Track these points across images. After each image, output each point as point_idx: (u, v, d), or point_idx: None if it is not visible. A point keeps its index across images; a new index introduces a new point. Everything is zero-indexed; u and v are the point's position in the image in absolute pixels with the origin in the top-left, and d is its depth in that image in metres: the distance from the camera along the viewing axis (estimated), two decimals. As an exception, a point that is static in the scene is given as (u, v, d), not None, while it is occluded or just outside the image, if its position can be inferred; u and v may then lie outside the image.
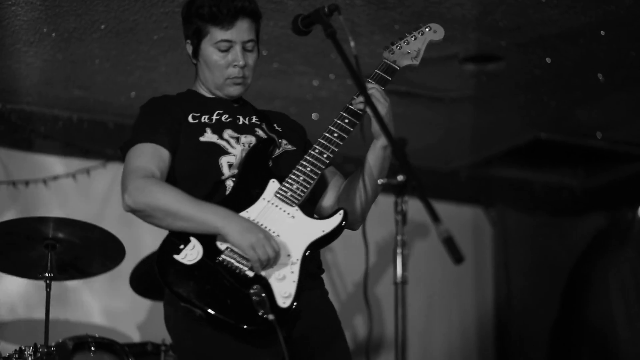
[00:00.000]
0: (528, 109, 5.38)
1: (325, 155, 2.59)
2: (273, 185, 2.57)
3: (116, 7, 3.98)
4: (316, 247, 2.52)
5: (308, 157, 2.59)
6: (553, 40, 4.35)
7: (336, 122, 2.63)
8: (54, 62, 4.54)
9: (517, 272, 6.25)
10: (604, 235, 6.27)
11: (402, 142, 4.61)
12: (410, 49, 2.76)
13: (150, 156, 2.57)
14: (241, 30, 2.67)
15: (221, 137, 2.66)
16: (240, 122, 2.73)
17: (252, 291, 2.37)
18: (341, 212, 2.54)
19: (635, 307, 5.91)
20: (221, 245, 2.47)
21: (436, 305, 6.08)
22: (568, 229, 6.41)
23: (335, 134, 2.61)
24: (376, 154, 2.63)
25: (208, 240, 2.47)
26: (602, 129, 5.69)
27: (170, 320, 2.58)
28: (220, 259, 2.45)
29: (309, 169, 2.57)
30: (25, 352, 3.46)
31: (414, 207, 2.23)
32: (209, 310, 2.36)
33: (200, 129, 2.66)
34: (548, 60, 4.59)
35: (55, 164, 5.10)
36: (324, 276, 2.73)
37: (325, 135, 2.61)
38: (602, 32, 4.25)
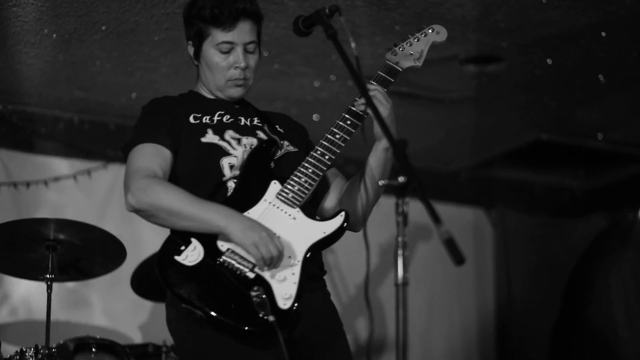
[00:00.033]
0: (528, 110, 5.38)
1: (327, 157, 2.59)
2: (274, 186, 2.57)
3: (117, 8, 3.99)
4: (317, 249, 2.52)
5: (310, 159, 2.58)
6: (554, 41, 4.35)
7: (338, 123, 2.63)
8: (55, 63, 4.54)
9: (518, 273, 6.25)
10: (605, 236, 6.27)
11: (402, 143, 4.59)
12: (413, 51, 2.76)
13: (152, 156, 2.57)
14: (242, 32, 2.66)
15: (222, 138, 2.66)
16: (242, 124, 2.73)
17: (252, 292, 2.37)
18: (342, 213, 2.54)
19: (635, 307, 5.90)
20: (222, 247, 2.47)
21: (437, 306, 6.08)
22: (569, 229, 6.41)
23: (337, 136, 2.61)
24: (378, 155, 2.63)
25: (209, 242, 2.47)
26: (602, 130, 5.69)
27: (172, 321, 2.58)
28: (221, 260, 2.45)
29: (310, 170, 2.57)
30: (27, 354, 3.47)
31: (415, 208, 2.23)
32: (210, 312, 2.36)
33: (202, 129, 2.66)
34: (549, 61, 4.59)
35: (56, 165, 5.10)
36: (325, 277, 2.73)
37: (327, 137, 2.61)
38: (603, 33, 4.25)
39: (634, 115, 5.44)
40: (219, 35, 2.66)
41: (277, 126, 2.80)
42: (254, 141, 2.68)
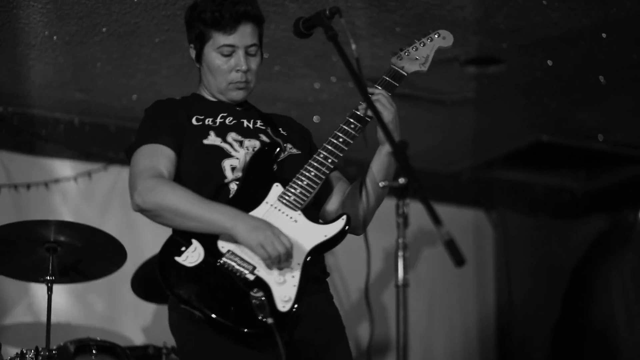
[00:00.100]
0: (529, 112, 5.38)
1: (330, 160, 2.59)
2: (276, 189, 2.57)
3: (117, 10, 3.99)
4: (318, 252, 2.52)
5: (313, 162, 2.58)
6: (554, 42, 4.35)
7: (342, 127, 2.62)
8: (56, 65, 4.54)
9: (519, 275, 6.25)
10: (605, 238, 6.27)
11: (403, 144, 4.60)
12: (419, 55, 2.76)
13: (157, 157, 2.58)
14: (244, 35, 2.66)
15: (225, 140, 2.66)
16: (245, 126, 2.73)
17: (252, 294, 2.37)
18: (344, 217, 2.54)
19: (636, 308, 5.90)
20: (222, 248, 2.47)
21: (438, 307, 6.08)
22: (569, 231, 6.41)
23: (341, 139, 2.61)
24: (381, 159, 2.63)
25: (210, 243, 2.48)
26: (603, 131, 5.69)
27: (174, 323, 2.59)
28: (221, 261, 2.45)
29: (313, 173, 2.57)
30: (27, 356, 3.47)
31: (416, 210, 2.23)
32: (209, 313, 2.36)
33: (204, 131, 2.66)
34: (549, 62, 4.59)
35: (56, 167, 5.10)
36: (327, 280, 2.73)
37: (331, 140, 2.61)
38: (603, 34, 4.25)
39: (634, 116, 5.44)
40: (220, 39, 2.66)
41: (280, 129, 2.80)
42: (256, 143, 2.68)
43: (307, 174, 2.57)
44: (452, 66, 4.58)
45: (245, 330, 2.36)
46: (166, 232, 2.55)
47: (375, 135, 2.58)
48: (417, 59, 2.75)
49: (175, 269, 2.43)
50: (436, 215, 1.98)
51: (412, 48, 2.77)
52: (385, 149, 2.61)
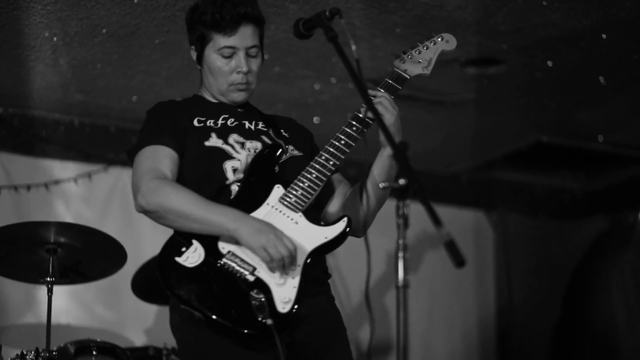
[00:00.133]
0: (529, 112, 5.38)
1: (331, 162, 2.58)
2: (278, 190, 2.57)
3: (118, 11, 3.99)
4: (319, 254, 2.52)
5: (314, 164, 2.58)
6: (554, 43, 4.35)
7: (344, 129, 2.62)
8: (56, 66, 4.54)
9: (519, 275, 6.25)
10: (605, 238, 6.27)
11: (403, 145, 4.60)
12: (422, 58, 2.77)
13: (160, 158, 2.58)
14: (244, 36, 2.66)
15: (226, 142, 2.66)
16: (247, 127, 2.73)
17: (252, 295, 2.37)
18: (345, 219, 2.54)
19: (636, 308, 5.90)
20: (223, 249, 2.47)
21: (438, 308, 6.07)
22: (569, 231, 6.41)
23: (343, 142, 2.60)
24: (382, 162, 2.63)
25: (210, 243, 2.48)
26: (603, 132, 5.69)
27: (175, 324, 2.59)
28: (221, 262, 2.45)
29: (314, 175, 2.56)
30: (27, 357, 3.47)
31: (416, 210, 2.23)
32: (208, 314, 2.37)
33: (206, 133, 2.66)
34: (549, 63, 4.59)
35: (56, 168, 5.10)
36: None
37: (333, 142, 2.61)
38: (603, 35, 4.25)
39: (634, 116, 5.44)
40: (221, 40, 2.66)
41: (282, 130, 2.80)
42: (258, 145, 2.68)
43: (308, 175, 2.56)
44: (452, 67, 4.58)
45: (245, 331, 2.36)
46: (166, 233, 2.55)
47: (376, 137, 2.58)
48: (420, 62, 2.76)
49: (176, 269, 2.44)
50: (436, 216, 1.98)
51: (415, 51, 2.78)
52: (386, 152, 2.61)
